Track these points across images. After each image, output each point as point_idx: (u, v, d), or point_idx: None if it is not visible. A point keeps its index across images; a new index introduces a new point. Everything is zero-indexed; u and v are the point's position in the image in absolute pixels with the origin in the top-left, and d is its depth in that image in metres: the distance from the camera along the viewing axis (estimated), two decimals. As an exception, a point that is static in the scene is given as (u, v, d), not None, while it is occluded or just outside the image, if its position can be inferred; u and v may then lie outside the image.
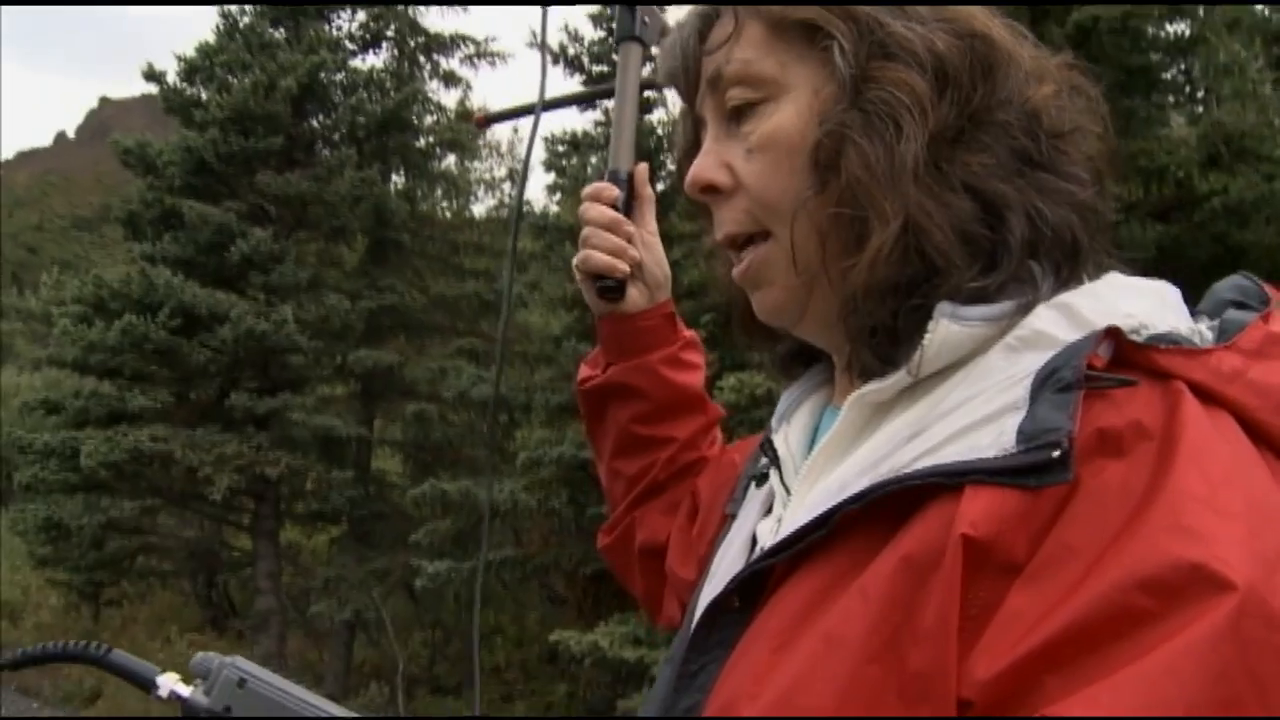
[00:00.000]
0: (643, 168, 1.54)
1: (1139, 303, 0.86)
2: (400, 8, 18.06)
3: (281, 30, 16.57)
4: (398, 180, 18.03)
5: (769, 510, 1.07)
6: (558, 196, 15.59)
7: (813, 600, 0.82)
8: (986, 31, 0.95)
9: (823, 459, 0.97)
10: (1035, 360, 0.82)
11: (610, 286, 1.47)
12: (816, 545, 0.84)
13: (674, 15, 1.25)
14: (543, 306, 15.73)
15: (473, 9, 18.83)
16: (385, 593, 14.20)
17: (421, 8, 18.38)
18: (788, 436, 1.08)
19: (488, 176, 25.72)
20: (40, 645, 0.95)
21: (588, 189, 1.52)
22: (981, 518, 0.73)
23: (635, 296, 1.49)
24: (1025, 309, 0.87)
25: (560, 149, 13.69)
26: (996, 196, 0.90)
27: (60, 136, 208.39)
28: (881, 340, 0.92)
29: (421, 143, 18.14)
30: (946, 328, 0.87)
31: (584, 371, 1.57)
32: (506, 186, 24.79)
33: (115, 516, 13.50)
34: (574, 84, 13.39)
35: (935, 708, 0.70)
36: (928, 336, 0.87)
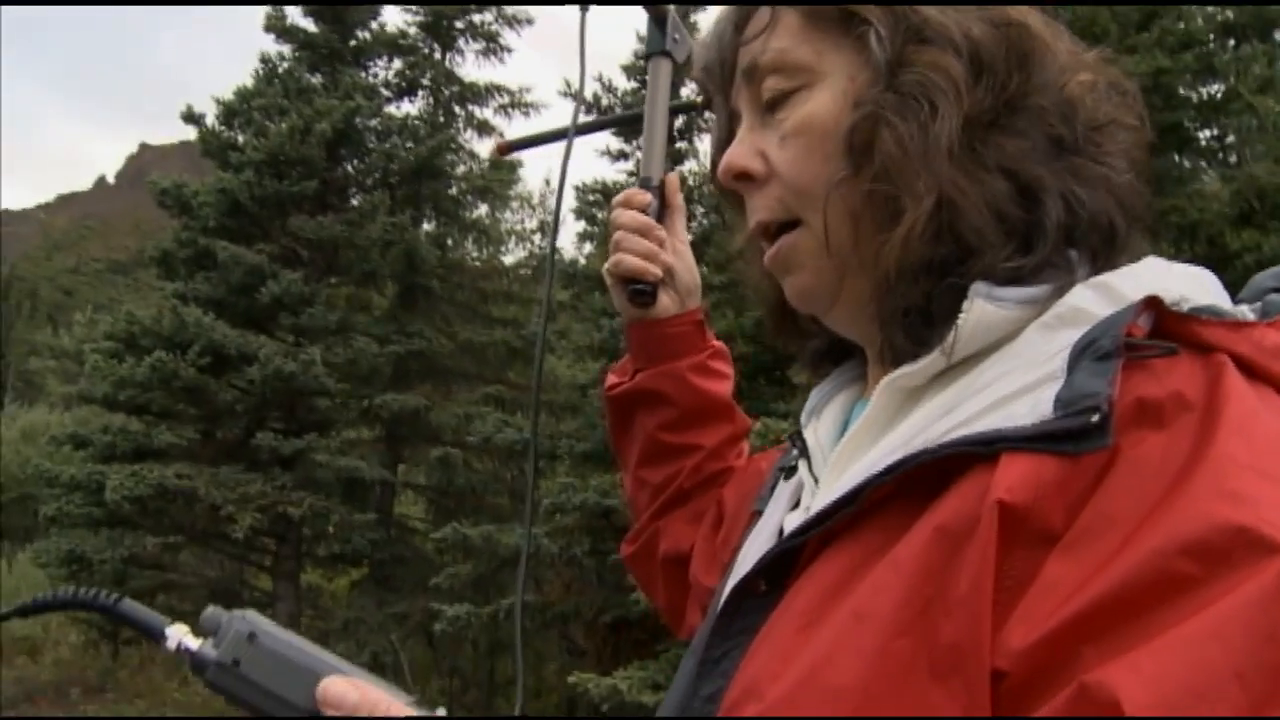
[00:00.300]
0: (674, 177, 1.55)
1: (1179, 281, 0.84)
2: (436, 57, 18.32)
3: (319, 76, 16.83)
4: (429, 227, 18.18)
5: (798, 504, 1.04)
6: (588, 248, 15.67)
7: (842, 578, 0.79)
8: (1023, 20, 0.94)
9: (852, 446, 0.94)
10: (1072, 336, 0.80)
11: (642, 290, 1.46)
12: (846, 524, 0.82)
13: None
14: (570, 355, 15.76)
15: (509, 59, 19.10)
16: (404, 636, 14.14)
17: (458, 57, 18.68)
18: (817, 430, 1.06)
19: (519, 228, 25.98)
20: (51, 592, 0.94)
21: (619, 196, 1.52)
22: (1018, 483, 0.71)
23: (666, 303, 1.48)
24: (1061, 291, 0.86)
25: (591, 198, 13.78)
26: (1032, 179, 0.89)
27: (100, 181, 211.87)
28: (915, 321, 0.91)
29: (454, 190, 18.32)
30: (982, 307, 0.85)
31: (611, 379, 1.56)
32: (537, 238, 24.99)
33: (137, 552, 13.48)
34: (607, 137, 13.55)
35: (967, 680, 0.67)
36: (963, 316, 0.86)
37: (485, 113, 19.04)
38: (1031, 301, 0.86)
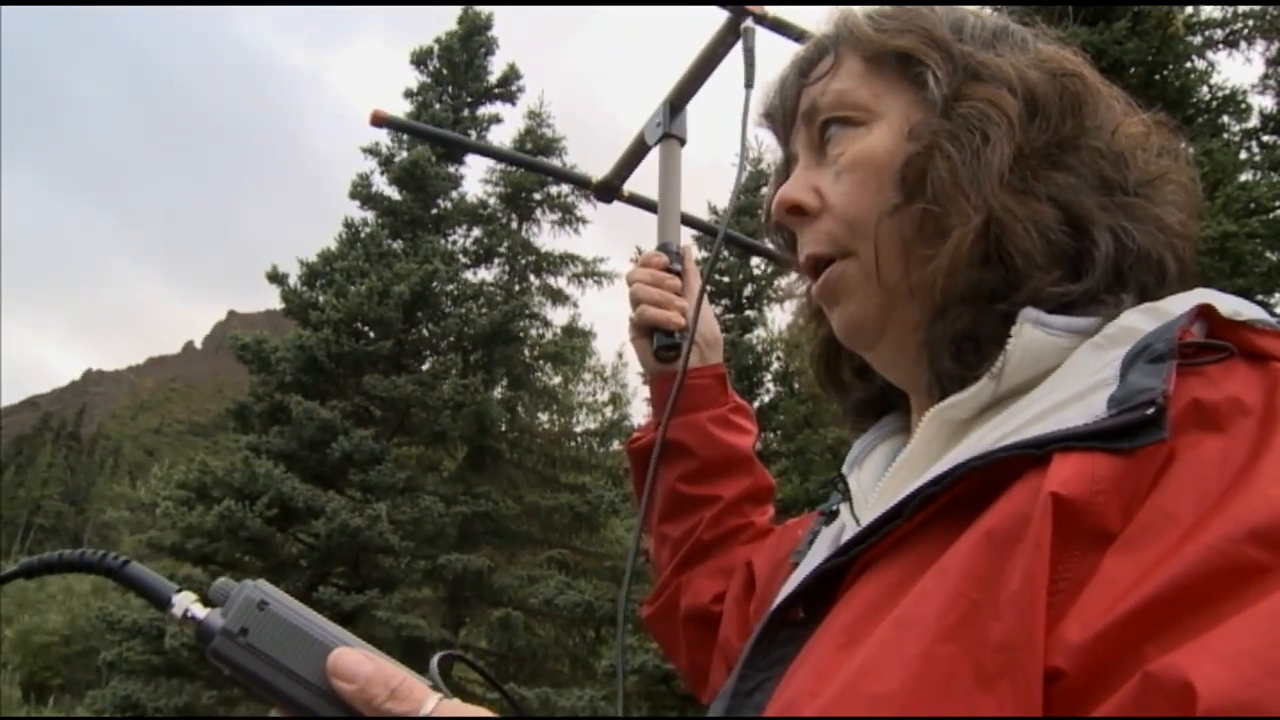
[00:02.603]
0: (689, 246, 1.63)
1: (1230, 300, 0.81)
2: (514, 226, 18.86)
3: (400, 241, 17.37)
4: (500, 391, 18.42)
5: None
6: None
7: (886, 594, 0.75)
8: (1078, 71, 0.97)
9: (898, 480, 0.92)
10: (1123, 352, 0.77)
11: (667, 345, 1.50)
12: (891, 545, 0.78)
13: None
14: (635, 519, 15.67)
15: (584, 230, 19.61)
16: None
17: (534, 228, 19.21)
18: (860, 477, 1.04)
19: (590, 400, 26.18)
20: (57, 553, 0.91)
21: (639, 259, 1.59)
22: (1072, 478, 0.68)
23: (683, 358, 1.50)
24: (1110, 320, 0.83)
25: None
26: (1082, 211, 0.89)
27: (188, 346, 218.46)
28: (963, 348, 0.90)
29: (526, 355, 18.60)
30: (1030, 333, 0.84)
31: (635, 434, 1.58)
32: (609, 411, 25.15)
33: (194, 703, 13.41)
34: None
35: (1016, 684, 0.63)
36: (1011, 341, 0.84)
37: (559, 281, 19.51)
38: (1081, 331, 0.84)
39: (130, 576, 0.84)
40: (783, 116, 1.10)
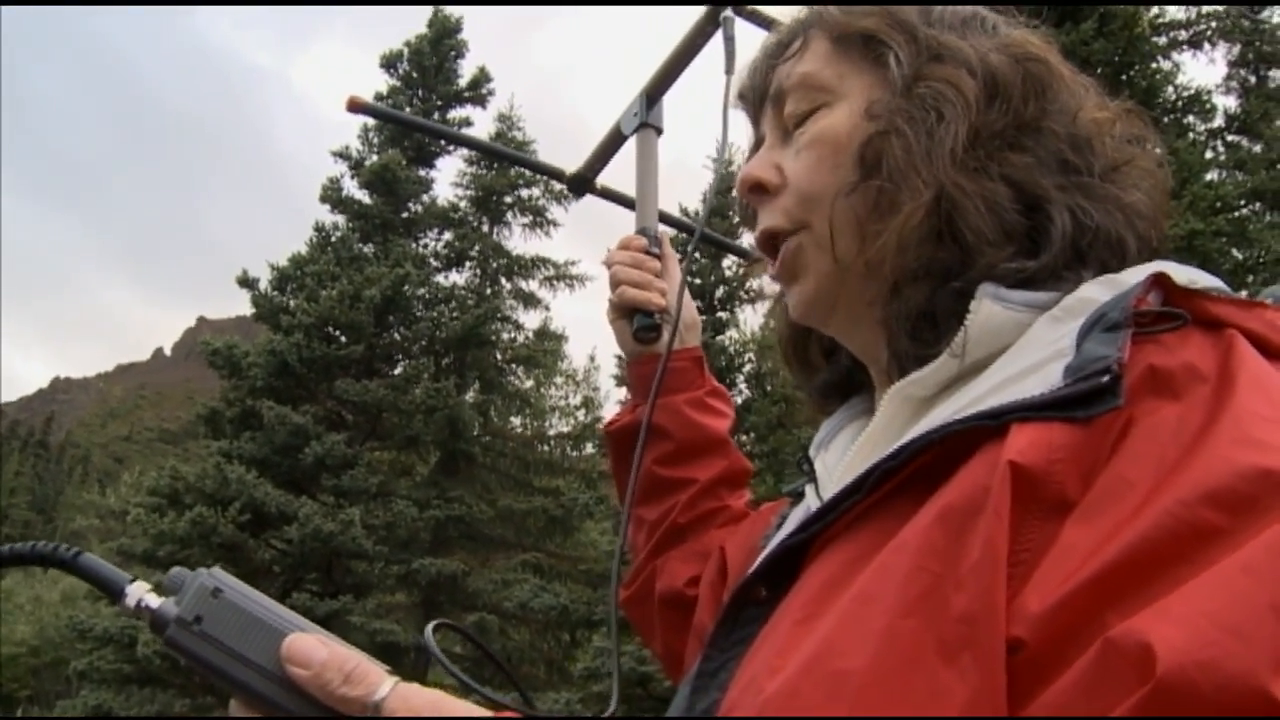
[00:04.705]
0: (667, 231, 1.66)
1: (1187, 271, 0.83)
2: (485, 230, 18.83)
3: (370, 245, 17.32)
4: (472, 395, 18.38)
5: None
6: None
7: (845, 570, 0.75)
8: (1042, 55, 0.98)
9: (859, 459, 0.92)
10: (1080, 323, 0.78)
11: (647, 326, 1.50)
12: (850, 522, 0.78)
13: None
14: (609, 521, 15.73)
15: (555, 233, 19.60)
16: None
17: (505, 231, 19.19)
18: (825, 459, 1.05)
19: (563, 403, 26.16)
20: (9, 546, 0.90)
21: (619, 241, 1.60)
22: (1029, 447, 0.68)
23: (666, 339, 1.51)
24: (1069, 293, 0.84)
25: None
26: (1038, 190, 0.90)
27: (158, 353, 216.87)
28: (920, 325, 0.90)
29: (498, 358, 18.58)
30: (989, 308, 0.85)
31: (613, 417, 1.59)
32: (581, 414, 25.14)
33: (165, 712, 13.32)
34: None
35: (978, 656, 0.63)
36: (970, 316, 0.85)
37: (531, 284, 19.48)
38: (1040, 306, 0.85)
39: (83, 567, 0.83)
40: (754, 98, 1.11)
